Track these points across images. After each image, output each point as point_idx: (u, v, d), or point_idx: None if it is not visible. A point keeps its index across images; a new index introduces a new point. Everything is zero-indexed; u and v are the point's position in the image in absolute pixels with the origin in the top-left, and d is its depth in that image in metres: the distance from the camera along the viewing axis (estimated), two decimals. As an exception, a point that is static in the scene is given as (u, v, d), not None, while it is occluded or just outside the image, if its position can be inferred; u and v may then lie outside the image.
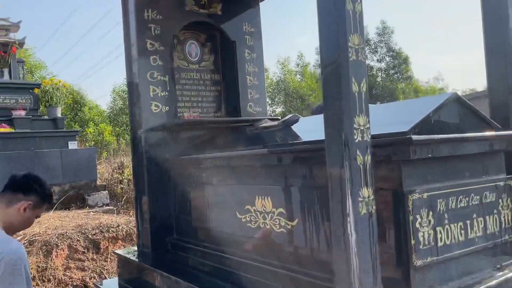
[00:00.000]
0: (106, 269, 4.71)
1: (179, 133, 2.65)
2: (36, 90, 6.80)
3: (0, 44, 7.13)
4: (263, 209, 1.84)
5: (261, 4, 3.08)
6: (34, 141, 6.06)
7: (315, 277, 1.55)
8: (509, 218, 1.58)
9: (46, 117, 6.80)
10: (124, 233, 5.15)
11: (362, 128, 1.22)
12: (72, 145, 6.41)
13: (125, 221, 5.49)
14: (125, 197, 8.15)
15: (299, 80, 31.89)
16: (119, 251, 2.87)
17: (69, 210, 5.91)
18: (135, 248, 2.82)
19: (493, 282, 1.42)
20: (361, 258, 1.20)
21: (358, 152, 1.21)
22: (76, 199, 6.04)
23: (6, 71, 7.29)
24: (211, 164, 2.18)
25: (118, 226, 5.18)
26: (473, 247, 1.45)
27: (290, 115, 2.16)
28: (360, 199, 1.20)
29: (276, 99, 28.30)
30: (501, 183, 1.57)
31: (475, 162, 1.51)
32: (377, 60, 32.86)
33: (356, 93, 1.22)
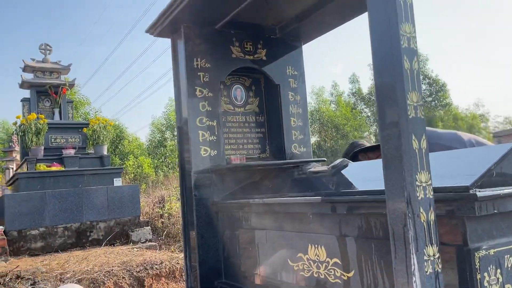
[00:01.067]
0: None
1: (226, 176, 2.71)
2: (85, 130, 7.16)
3: (52, 86, 7.59)
4: (317, 258, 1.83)
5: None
6: (82, 178, 6.33)
7: (375, 333, 1.51)
8: None
9: (93, 154, 7.12)
10: (167, 270, 5.21)
11: (424, 184, 1.22)
12: (117, 181, 6.64)
13: (168, 257, 5.56)
14: (165, 232, 8.27)
15: (333, 109, 31.80)
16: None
17: (114, 246, 6.05)
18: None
19: None
20: (428, 319, 1.16)
21: (421, 209, 1.20)
22: (121, 235, 6.19)
23: (57, 111, 7.73)
24: (261, 209, 2.20)
25: (161, 263, 5.25)
26: (545, 306, 1.38)
27: (339, 160, 2.16)
28: (425, 258, 1.18)
29: (311, 129, 28.31)
30: None
31: (542, 214, 1.46)
32: (413, 87, 32.29)
33: (416, 150, 1.22)
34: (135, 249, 5.94)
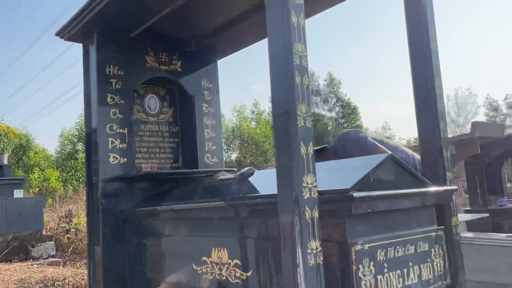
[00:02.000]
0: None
1: (136, 184, 2.70)
2: (-17, 137, 6.58)
3: None
4: (219, 261, 1.91)
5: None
6: (-23, 189, 5.77)
7: (269, 327, 1.62)
8: (441, 266, 1.76)
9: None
10: (70, 286, 4.92)
11: (310, 186, 1.37)
12: (18, 193, 6.16)
13: (72, 273, 5.26)
14: (72, 247, 7.79)
15: (254, 126, 32.45)
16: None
17: (11, 262, 5.57)
18: (86, 302, 2.74)
19: (429, 326, 1.57)
20: (310, 306, 1.30)
21: (306, 208, 1.35)
22: (20, 251, 5.72)
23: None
24: (168, 216, 2.24)
25: (64, 279, 4.96)
26: (410, 294, 1.60)
27: (245, 169, 2.29)
28: (308, 251, 1.33)
29: (232, 145, 28.55)
30: (433, 234, 1.76)
31: (410, 216, 1.70)
32: (328, 109, 34.39)
33: (304, 155, 1.37)
34: (35, 265, 5.53)
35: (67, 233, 8.31)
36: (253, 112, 34.51)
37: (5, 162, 6.49)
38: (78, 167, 24.00)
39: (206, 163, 3.10)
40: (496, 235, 5.00)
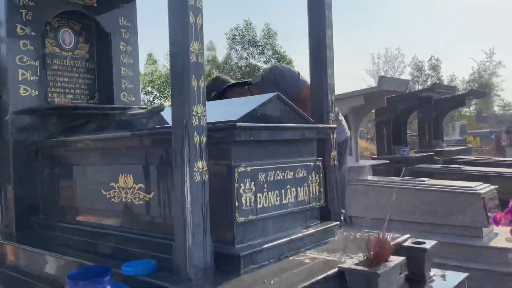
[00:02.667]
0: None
1: (49, 118, 2.75)
2: None
3: None
4: (125, 185, 2.10)
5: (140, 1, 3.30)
6: None
7: (167, 239, 1.87)
8: (316, 190, 2.09)
9: None
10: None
11: (199, 115, 1.58)
12: None
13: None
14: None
15: (187, 74, 31.53)
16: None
17: None
18: (-2, 229, 2.83)
19: (299, 235, 1.91)
20: (194, 215, 1.55)
21: (195, 133, 1.57)
22: None
23: None
24: (79, 146, 2.36)
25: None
26: (286, 210, 1.92)
27: (157, 105, 2.44)
28: (195, 169, 1.56)
29: (165, 93, 27.78)
30: (312, 164, 2.08)
31: (292, 147, 1.99)
32: (264, 61, 34.47)
33: (195, 88, 1.57)
34: None
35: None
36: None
37: None
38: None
39: (122, 101, 3.19)
40: (392, 178, 5.68)
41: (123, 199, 2.12)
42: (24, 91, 2.65)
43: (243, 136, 1.68)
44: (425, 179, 5.08)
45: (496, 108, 41.47)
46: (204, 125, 1.60)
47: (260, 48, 34.48)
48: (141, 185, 2.03)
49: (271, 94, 1.90)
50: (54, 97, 2.91)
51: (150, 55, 28.39)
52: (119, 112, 2.94)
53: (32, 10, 2.68)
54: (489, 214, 4.29)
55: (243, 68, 35.55)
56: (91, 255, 2.06)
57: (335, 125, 2.24)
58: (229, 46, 34.94)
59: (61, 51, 3.01)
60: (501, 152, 14.76)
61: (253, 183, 1.76)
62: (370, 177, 5.91)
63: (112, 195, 2.18)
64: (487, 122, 34.04)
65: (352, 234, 2.20)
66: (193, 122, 1.56)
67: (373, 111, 7.11)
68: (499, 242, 4.09)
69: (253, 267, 1.67)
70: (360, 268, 1.56)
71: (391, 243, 1.64)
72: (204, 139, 1.60)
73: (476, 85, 38.65)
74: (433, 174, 6.22)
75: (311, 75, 2.31)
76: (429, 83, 37.60)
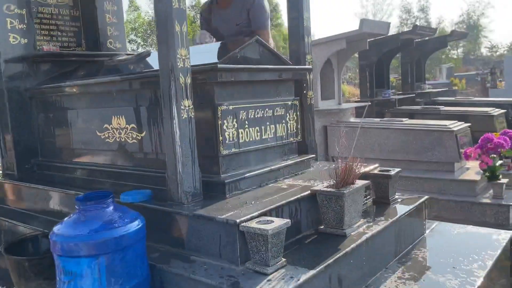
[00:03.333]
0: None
1: (39, 65, 2.86)
2: None
3: None
4: (118, 126, 2.28)
5: None
6: None
7: (159, 172, 2.08)
8: (294, 127, 2.30)
9: None
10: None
11: (184, 58, 1.74)
12: None
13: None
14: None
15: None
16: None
17: None
18: None
19: (278, 166, 2.14)
20: (183, 148, 1.76)
21: (181, 75, 1.73)
22: None
23: None
24: (72, 91, 2.51)
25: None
26: (266, 144, 2.13)
27: (144, 50, 2.57)
28: (182, 107, 1.74)
29: (150, 40, 27.07)
30: (289, 103, 2.27)
31: (270, 87, 2.16)
32: (249, 5, 33.39)
33: (178, 32, 1.71)
34: None
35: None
36: (170, 4, 32.35)
37: None
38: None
39: (109, 48, 3.28)
40: (372, 119, 5.92)
41: (117, 139, 2.31)
42: (14, 40, 2.73)
43: (225, 77, 1.85)
44: (403, 119, 5.33)
45: (483, 50, 41.50)
46: (188, 67, 1.76)
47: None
48: (133, 125, 2.21)
49: (252, 39, 2.04)
50: (42, 45, 2.99)
51: (132, 1, 27.34)
52: (107, 58, 3.05)
53: (14, -43, 2.70)
54: (461, 150, 4.59)
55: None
56: (89, 190, 2.27)
57: (311, 67, 2.41)
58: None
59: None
60: (485, 93, 15.08)
61: (235, 120, 1.95)
62: (352, 119, 6.16)
63: (106, 135, 2.36)
64: (474, 65, 34.20)
65: (327, 165, 2.45)
66: (178, 64, 1.72)
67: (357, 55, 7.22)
68: (469, 175, 4.41)
69: (236, 193, 1.91)
70: (329, 189, 1.80)
71: (356, 170, 1.87)
72: (189, 80, 1.76)
73: (465, 26, 38.35)
74: (413, 115, 6.47)
75: (288, 19, 2.44)
76: (417, 23, 37.15)
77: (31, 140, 2.83)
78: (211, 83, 1.86)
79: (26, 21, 2.78)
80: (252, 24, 2.84)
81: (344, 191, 1.76)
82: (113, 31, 3.29)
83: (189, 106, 1.76)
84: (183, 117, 1.75)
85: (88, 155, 2.52)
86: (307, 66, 2.37)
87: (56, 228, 1.47)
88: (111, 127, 2.32)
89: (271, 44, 2.83)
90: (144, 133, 2.16)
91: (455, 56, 37.68)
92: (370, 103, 6.47)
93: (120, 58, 2.63)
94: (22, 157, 2.80)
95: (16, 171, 2.77)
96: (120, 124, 2.27)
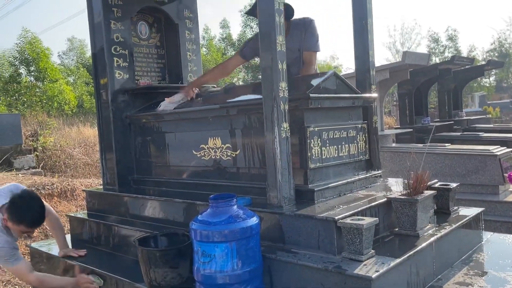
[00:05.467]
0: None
1: (136, 96, 3.38)
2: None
3: None
4: (214, 146, 2.73)
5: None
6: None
7: (251, 184, 2.50)
8: (363, 146, 2.68)
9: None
10: (59, 190, 5.63)
11: (283, 89, 2.17)
12: (-5, 110, 6.48)
13: (58, 180, 5.93)
14: (42, 163, 8.33)
15: (205, 53, 32.09)
16: (89, 188, 3.54)
17: (-4, 172, 6.11)
18: (100, 187, 3.52)
19: (352, 179, 2.52)
20: (282, 162, 2.17)
21: (281, 102, 2.16)
22: (3, 163, 6.24)
23: None
24: (172, 117, 2.99)
25: (52, 184, 5.63)
26: (341, 161, 2.51)
27: (228, 84, 3.04)
28: (282, 129, 2.16)
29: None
30: (359, 126, 2.66)
31: (345, 112, 2.57)
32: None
33: (280, 69, 2.16)
34: (20, 174, 6.11)
35: (35, 151, 8.77)
36: (203, 38, 33.87)
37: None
38: (22, 91, 23.27)
39: (189, 81, 3.79)
40: (415, 145, 6.22)
41: (212, 157, 2.75)
42: (118, 75, 3.27)
43: (313, 104, 2.27)
44: (446, 144, 5.61)
45: (516, 78, 40.88)
46: (286, 96, 2.20)
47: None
48: (228, 144, 2.65)
49: (329, 72, 2.47)
50: (138, 79, 3.53)
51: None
52: (196, 91, 3.55)
53: (121, 8, 3.28)
54: (504, 174, 4.82)
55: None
56: (188, 200, 2.70)
57: (376, 95, 2.81)
58: (244, 23, 35.03)
59: (139, 41, 3.62)
60: (521, 121, 14.98)
61: (319, 139, 2.36)
62: (394, 144, 6.46)
63: (202, 154, 2.81)
64: (507, 92, 33.74)
65: (390, 181, 2.80)
66: (280, 94, 2.16)
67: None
68: (513, 197, 4.63)
69: (322, 200, 2.29)
70: (403, 197, 2.16)
71: (426, 180, 2.22)
72: (286, 106, 2.19)
73: (496, 54, 38.06)
74: (453, 141, 6.71)
75: (355, 55, 2.86)
76: (446, 54, 37.21)
77: (129, 160, 3.32)
78: (302, 109, 2.29)
79: (128, 60, 3.33)
80: (304, 44, 2.99)
81: (418, 198, 2.11)
82: (192, 66, 3.81)
83: (286, 128, 2.18)
84: (283, 136, 2.16)
85: (184, 171, 2.96)
86: (374, 95, 2.77)
87: (195, 220, 1.89)
88: (207, 147, 2.77)
89: (316, 64, 3.13)
90: (238, 151, 2.59)
91: (487, 84, 37.26)
92: (412, 130, 6.77)
93: (211, 89, 3.11)
94: (122, 175, 3.28)
95: (117, 186, 3.25)
96: (216, 144, 2.72)
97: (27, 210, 2.55)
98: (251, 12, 3.13)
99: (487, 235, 2.71)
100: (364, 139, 2.70)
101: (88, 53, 30.78)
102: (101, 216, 3.22)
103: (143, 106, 3.39)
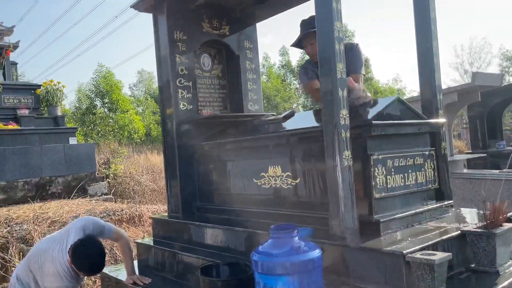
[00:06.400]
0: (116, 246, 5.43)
1: (200, 126, 3.48)
2: (38, 91, 7.35)
3: (-4, 48, 7.62)
4: (274, 174, 2.72)
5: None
6: (38, 137, 6.64)
7: (311, 214, 2.44)
8: (431, 174, 2.53)
9: (47, 115, 7.36)
10: (127, 216, 5.88)
11: (344, 116, 2.13)
12: (73, 140, 7.04)
13: (127, 207, 6.21)
14: (113, 190, 8.80)
15: (265, 80, 32.68)
16: (155, 216, 3.68)
17: (72, 199, 6.55)
18: (165, 214, 3.63)
19: (420, 209, 2.37)
20: (344, 191, 2.10)
21: (342, 130, 2.11)
22: (78, 189, 6.69)
23: (0, 72, 7.78)
24: (234, 146, 3.04)
25: (122, 210, 5.91)
26: (409, 190, 2.39)
27: (288, 111, 3.05)
28: (344, 157, 2.11)
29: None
30: (427, 153, 2.53)
31: (411, 139, 2.46)
32: (339, 62, 34.21)
33: (341, 96, 2.12)
34: (93, 200, 6.49)
35: (107, 178, 9.31)
36: (263, 66, 34.56)
37: (59, 113, 7.32)
38: (97, 122, 25.04)
39: (249, 109, 3.85)
40: (489, 171, 5.78)
41: (272, 185, 2.74)
42: (183, 106, 3.41)
43: (376, 131, 2.19)
44: (526, 170, 5.15)
45: None
46: (347, 124, 2.15)
47: (335, 49, 34.37)
48: (288, 173, 2.63)
49: (393, 98, 2.39)
50: (201, 109, 3.65)
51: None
52: (251, 119, 3.60)
53: (185, 42, 3.44)
54: None
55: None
56: (249, 228, 2.69)
57: (445, 120, 2.66)
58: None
59: (202, 72, 3.76)
60: None
61: (383, 167, 2.26)
62: (466, 170, 6.06)
63: (263, 182, 2.81)
64: None
65: (463, 211, 2.61)
66: (341, 122, 2.11)
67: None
68: None
69: (389, 231, 2.17)
70: (480, 230, 1.99)
71: (505, 211, 2.04)
72: (348, 134, 2.14)
73: None
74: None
75: (420, 79, 2.75)
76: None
77: (193, 188, 3.40)
78: (365, 137, 2.22)
79: (192, 91, 3.46)
80: (350, 67, 2.87)
81: (496, 231, 1.94)
82: (253, 95, 3.88)
83: (348, 155, 2.12)
84: (345, 165, 2.10)
85: (245, 199, 2.98)
86: (441, 120, 2.63)
87: (256, 251, 1.87)
88: (267, 175, 2.77)
89: (363, 87, 2.91)
90: (299, 179, 2.56)
91: None
92: (485, 155, 6.33)
93: (270, 118, 3.14)
94: (186, 202, 3.36)
95: (181, 213, 3.33)
96: (276, 172, 2.71)
97: (87, 259, 2.58)
98: (296, 44, 3.17)
99: None
100: (433, 167, 2.56)
101: (156, 85, 32.70)
102: (166, 243, 3.30)
103: (206, 135, 3.49)
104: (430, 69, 2.68)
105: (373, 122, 2.16)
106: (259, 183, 2.84)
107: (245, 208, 2.95)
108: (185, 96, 3.43)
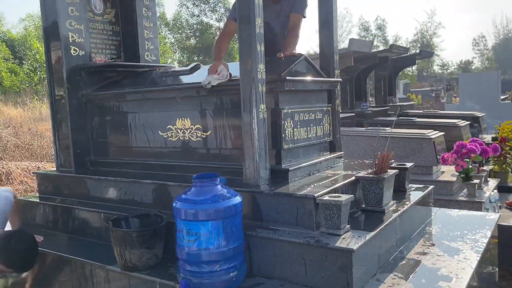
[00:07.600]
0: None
1: (92, 74, 3.21)
2: None
3: None
4: (183, 127, 2.70)
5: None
6: None
7: (222, 165, 2.52)
8: (328, 129, 2.80)
9: None
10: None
11: (262, 71, 2.20)
12: None
13: None
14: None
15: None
16: (40, 171, 3.34)
17: None
18: (53, 169, 3.34)
19: (319, 160, 2.63)
20: (259, 142, 2.21)
21: (259, 84, 2.19)
22: None
23: None
24: (136, 97, 2.89)
25: None
26: (310, 142, 2.62)
27: (193, 63, 3.01)
28: (260, 110, 2.20)
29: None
30: (325, 108, 2.77)
31: (313, 95, 2.66)
32: (216, 19, 34.03)
33: (259, 51, 2.18)
34: None
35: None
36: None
37: None
38: None
39: (146, 59, 3.68)
40: (358, 129, 6.55)
41: (180, 138, 2.72)
42: (74, 51, 3.09)
43: (288, 86, 2.33)
44: (386, 128, 5.98)
45: (435, 68, 44.30)
46: (264, 78, 2.23)
47: (212, 5, 33.99)
48: (198, 125, 2.63)
49: (301, 56, 2.54)
50: (93, 57, 3.35)
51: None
52: (149, 70, 3.45)
53: (76, -21, 3.07)
54: (438, 156, 5.27)
55: (194, 26, 35.06)
56: (159, 181, 2.65)
57: (341, 79, 2.94)
58: (180, 2, 34.04)
59: (94, 16, 3.42)
60: (440, 108, 16.33)
61: (292, 121, 2.43)
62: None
63: (169, 135, 2.77)
64: (428, 81, 36.45)
65: (352, 162, 2.97)
66: (258, 76, 2.19)
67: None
68: (446, 177, 5.08)
69: (295, 178, 2.37)
70: (371, 175, 2.32)
71: (389, 160, 2.39)
72: (264, 88, 2.23)
73: (419, 45, 40.82)
74: (389, 125, 7.17)
75: (320, 42, 2.96)
76: (375, 43, 39.16)
77: (86, 141, 3.17)
78: (277, 91, 2.34)
79: (83, 35, 3.15)
80: (292, 7, 2.85)
81: (385, 176, 2.27)
82: (149, 45, 3.69)
83: (263, 109, 2.23)
84: (260, 118, 2.21)
85: (149, 152, 2.90)
86: (338, 79, 2.89)
87: (179, 199, 1.88)
88: (175, 128, 2.73)
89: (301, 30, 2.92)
90: (209, 132, 2.59)
91: (410, 73, 39.88)
92: (354, 114, 7.12)
93: (174, 69, 3.05)
94: (78, 157, 3.12)
95: (73, 168, 3.10)
96: (184, 125, 2.69)
97: (15, 255, 2.39)
98: None
99: (435, 210, 2.99)
100: (329, 122, 2.83)
101: (5, 26, 28.16)
102: (57, 199, 3.06)
103: (100, 85, 3.24)
104: (330, 32, 2.90)
105: (287, 77, 2.28)
106: (165, 136, 2.79)
107: (147, 161, 2.88)
108: (76, 40, 3.10)
